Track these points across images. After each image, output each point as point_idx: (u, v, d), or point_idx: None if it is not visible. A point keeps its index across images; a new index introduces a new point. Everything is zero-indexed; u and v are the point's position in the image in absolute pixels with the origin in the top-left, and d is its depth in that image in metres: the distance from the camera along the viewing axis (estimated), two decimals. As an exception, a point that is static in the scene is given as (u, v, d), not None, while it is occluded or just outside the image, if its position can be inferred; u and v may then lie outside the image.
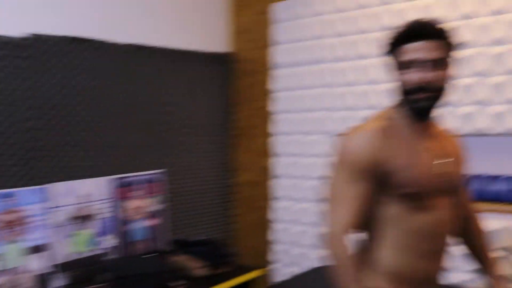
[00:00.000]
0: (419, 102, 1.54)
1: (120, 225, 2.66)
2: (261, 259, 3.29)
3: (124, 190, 2.69)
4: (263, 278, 3.29)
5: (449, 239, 1.67)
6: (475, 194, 2.38)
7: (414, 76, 1.52)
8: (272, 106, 3.09)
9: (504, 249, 2.29)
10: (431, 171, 1.58)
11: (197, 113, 3.13)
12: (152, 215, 2.83)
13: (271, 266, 3.17)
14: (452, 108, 2.40)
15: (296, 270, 3.00)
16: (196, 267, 2.62)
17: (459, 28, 2.37)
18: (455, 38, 1.56)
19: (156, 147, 2.89)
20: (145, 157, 2.83)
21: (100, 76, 2.62)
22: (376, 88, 2.63)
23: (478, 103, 2.35)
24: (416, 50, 1.51)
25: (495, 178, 2.36)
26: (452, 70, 1.56)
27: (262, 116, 3.20)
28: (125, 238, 2.68)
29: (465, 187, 1.78)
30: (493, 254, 1.80)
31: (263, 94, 3.19)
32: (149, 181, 2.82)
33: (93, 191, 2.56)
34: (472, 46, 2.35)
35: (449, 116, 2.40)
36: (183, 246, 2.75)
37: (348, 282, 1.50)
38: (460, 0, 2.41)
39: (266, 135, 3.19)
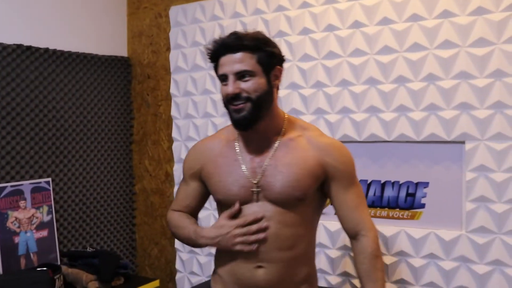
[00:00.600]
0: (231, 114, 1.60)
1: (2, 238, 2.49)
2: (166, 268, 3.19)
3: (6, 200, 2.52)
4: (165, 288, 3.20)
5: (286, 250, 1.63)
6: (368, 200, 2.42)
7: (224, 89, 1.59)
8: (173, 111, 3.01)
9: (398, 254, 2.33)
10: (245, 181, 1.63)
11: (92, 119, 2.99)
12: (40, 226, 2.66)
13: (175, 276, 3.08)
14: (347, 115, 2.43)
15: (201, 279, 2.93)
16: (88, 280, 2.49)
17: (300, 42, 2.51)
18: (271, 49, 1.59)
19: (43, 154, 2.72)
20: (31, 165, 2.66)
21: (-20, 79, 2.44)
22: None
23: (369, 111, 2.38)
24: (224, 63, 1.58)
25: (389, 185, 2.40)
26: (272, 80, 1.61)
27: (164, 122, 3.12)
28: (9, 251, 2.51)
29: (352, 201, 1.69)
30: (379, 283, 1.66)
31: (164, 99, 3.10)
32: (36, 190, 2.66)
33: (-30, 202, 2.38)
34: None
35: (343, 123, 2.43)
36: (73, 258, 2.61)
37: (185, 234, 1.73)
38: (300, 17, 2.51)
39: (168, 141, 3.10)
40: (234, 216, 1.65)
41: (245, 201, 1.64)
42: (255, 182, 1.62)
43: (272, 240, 1.61)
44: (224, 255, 1.70)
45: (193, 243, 1.72)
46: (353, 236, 1.70)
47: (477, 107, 2.14)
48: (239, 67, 1.54)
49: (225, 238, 1.60)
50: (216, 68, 1.63)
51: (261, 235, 1.58)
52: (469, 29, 2.13)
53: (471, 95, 2.15)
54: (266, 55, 1.57)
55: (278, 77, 1.63)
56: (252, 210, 1.62)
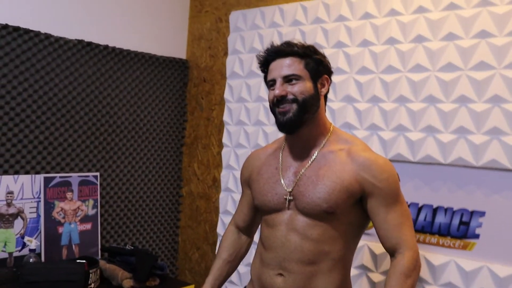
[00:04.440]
0: (277, 117, 1.62)
1: (47, 227, 2.53)
2: (205, 274, 3.15)
3: (54, 190, 2.57)
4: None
5: (307, 265, 1.60)
6: (417, 225, 2.28)
7: (272, 93, 1.62)
8: (225, 117, 2.98)
9: (446, 285, 2.17)
10: (280, 189, 1.65)
11: (145, 118, 3.01)
12: (84, 219, 2.69)
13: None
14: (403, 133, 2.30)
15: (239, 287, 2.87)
16: (123, 278, 2.48)
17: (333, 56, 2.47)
18: (319, 57, 1.65)
19: (94, 149, 2.76)
20: (81, 158, 2.70)
21: (40, 70, 2.50)
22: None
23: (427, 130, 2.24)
24: (272, 69, 1.63)
25: (441, 210, 2.25)
26: (318, 87, 1.65)
27: (216, 126, 3.09)
28: (52, 240, 2.55)
29: (393, 220, 1.61)
30: None
31: (218, 103, 3.08)
32: (84, 183, 2.69)
33: (19, 188, 2.43)
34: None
35: (398, 141, 2.31)
36: (112, 254, 2.61)
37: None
38: (361, 28, 2.44)
39: (218, 146, 3.08)
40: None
41: (278, 209, 1.66)
42: (289, 190, 1.64)
43: (294, 252, 1.61)
44: (256, 260, 1.76)
45: None
46: (392, 255, 1.63)
47: (545, 134, 1.97)
48: (287, 71, 1.59)
49: None
50: (265, 77, 1.69)
51: None
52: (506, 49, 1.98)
53: (539, 121, 1.98)
54: (314, 61, 1.63)
55: (324, 85, 1.67)
56: (283, 218, 1.64)
